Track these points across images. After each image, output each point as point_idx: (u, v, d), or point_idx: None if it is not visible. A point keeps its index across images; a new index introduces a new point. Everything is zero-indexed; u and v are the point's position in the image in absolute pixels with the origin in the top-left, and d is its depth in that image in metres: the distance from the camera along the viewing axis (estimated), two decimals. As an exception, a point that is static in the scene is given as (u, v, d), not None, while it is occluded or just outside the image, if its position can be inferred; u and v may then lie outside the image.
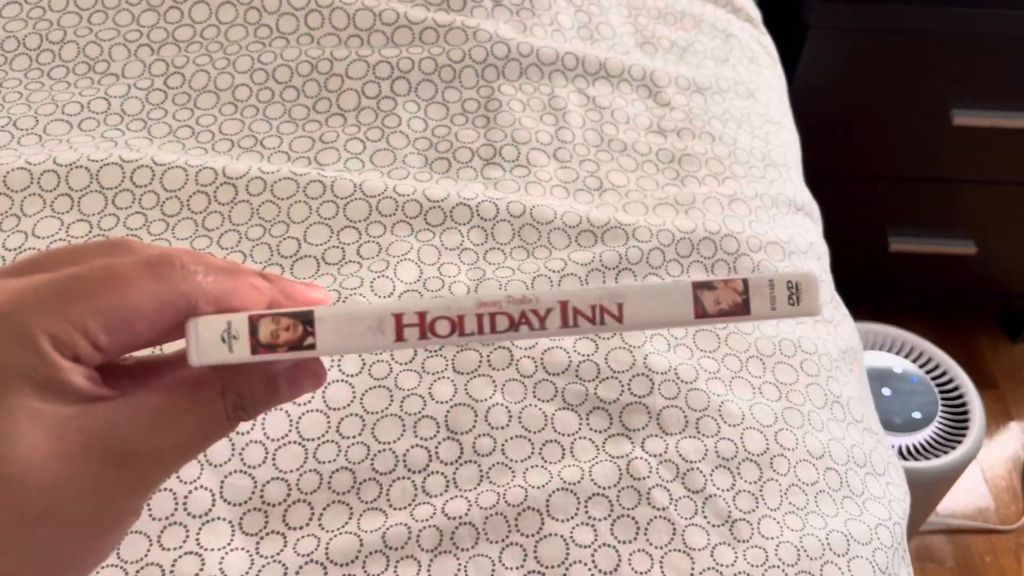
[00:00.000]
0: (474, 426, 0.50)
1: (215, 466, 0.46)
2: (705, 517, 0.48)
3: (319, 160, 0.63)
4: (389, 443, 0.48)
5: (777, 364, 0.57)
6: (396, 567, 0.44)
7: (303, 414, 0.48)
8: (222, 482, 0.46)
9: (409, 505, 0.47)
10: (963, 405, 1.07)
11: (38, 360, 0.21)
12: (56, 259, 0.24)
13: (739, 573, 0.47)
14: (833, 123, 1.21)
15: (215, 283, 0.24)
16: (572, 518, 0.47)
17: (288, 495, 0.46)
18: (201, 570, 0.43)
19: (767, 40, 0.88)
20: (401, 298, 0.55)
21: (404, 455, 0.48)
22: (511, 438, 0.50)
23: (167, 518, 0.44)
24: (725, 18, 0.85)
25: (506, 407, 0.50)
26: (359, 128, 0.66)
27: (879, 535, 0.51)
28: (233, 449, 0.47)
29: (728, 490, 0.50)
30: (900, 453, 1.04)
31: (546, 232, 0.60)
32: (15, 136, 0.62)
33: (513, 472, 0.48)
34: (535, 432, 0.50)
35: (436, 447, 0.49)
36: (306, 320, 0.24)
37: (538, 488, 0.47)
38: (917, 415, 1.05)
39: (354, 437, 0.48)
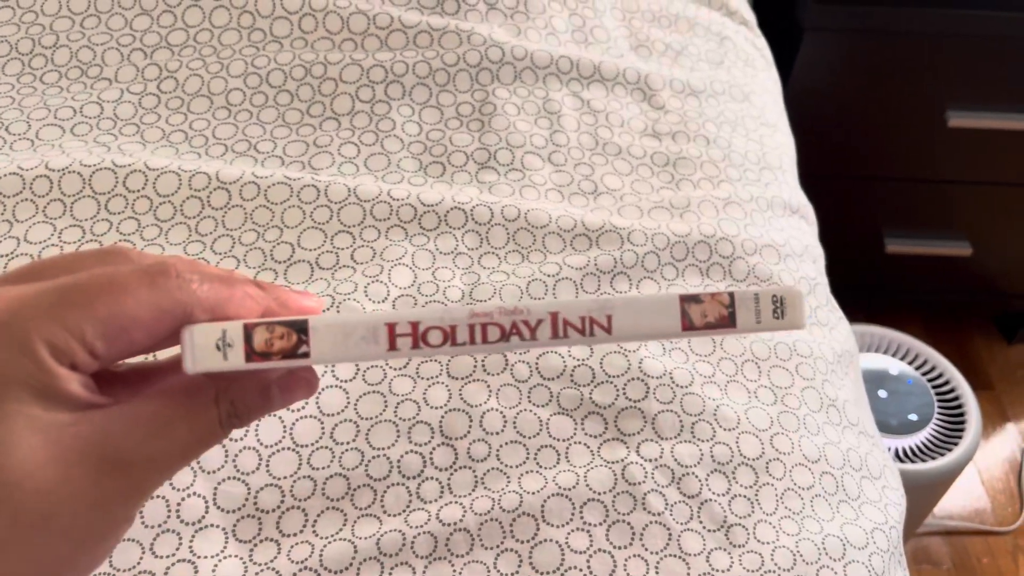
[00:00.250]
0: (469, 431, 0.49)
1: (208, 473, 0.46)
2: (701, 522, 0.48)
3: (313, 164, 0.63)
4: (383, 449, 0.48)
5: (772, 368, 0.56)
6: (390, 574, 0.44)
7: (296, 420, 0.48)
8: (215, 489, 0.45)
9: (403, 511, 0.46)
10: (959, 407, 1.07)
11: (36, 367, 0.22)
12: (54, 267, 0.25)
13: (735, 578, 0.46)
14: (829, 125, 1.21)
15: (210, 291, 0.24)
16: (567, 523, 0.47)
17: (282, 502, 0.46)
18: (194, 578, 0.43)
19: (762, 43, 0.88)
20: (395, 304, 0.55)
21: (398, 461, 0.48)
22: (506, 443, 0.49)
23: (160, 525, 0.44)
24: (720, 21, 0.85)
25: (501, 412, 0.50)
26: (353, 132, 0.66)
27: (875, 539, 0.51)
28: (226, 456, 0.46)
29: (724, 495, 0.49)
30: (896, 455, 1.04)
31: (541, 236, 0.60)
32: (7, 141, 0.62)
33: (508, 478, 0.48)
34: (530, 437, 0.50)
35: (430, 453, 0.48)
36: (300, 329, 0.25)
37: (533, 494, 0.47)
38: (913, 417, 1.05)
39: (348, 443, 0.48)
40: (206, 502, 0.45)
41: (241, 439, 0.47)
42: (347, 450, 0.48)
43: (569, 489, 0.48)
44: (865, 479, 0.54)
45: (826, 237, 0.82)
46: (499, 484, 0.48)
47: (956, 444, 1.04)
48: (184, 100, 0.66)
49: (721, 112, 0.75)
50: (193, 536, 0.44)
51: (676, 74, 0.76)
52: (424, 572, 0.45)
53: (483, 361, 0.52)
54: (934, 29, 1.09)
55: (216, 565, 0.43)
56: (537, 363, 0.52)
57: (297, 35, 0.70)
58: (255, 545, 0.44)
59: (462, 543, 0.46)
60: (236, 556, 0.44)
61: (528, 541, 0.46)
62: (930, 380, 1.11)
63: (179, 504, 0.44)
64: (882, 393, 1.07)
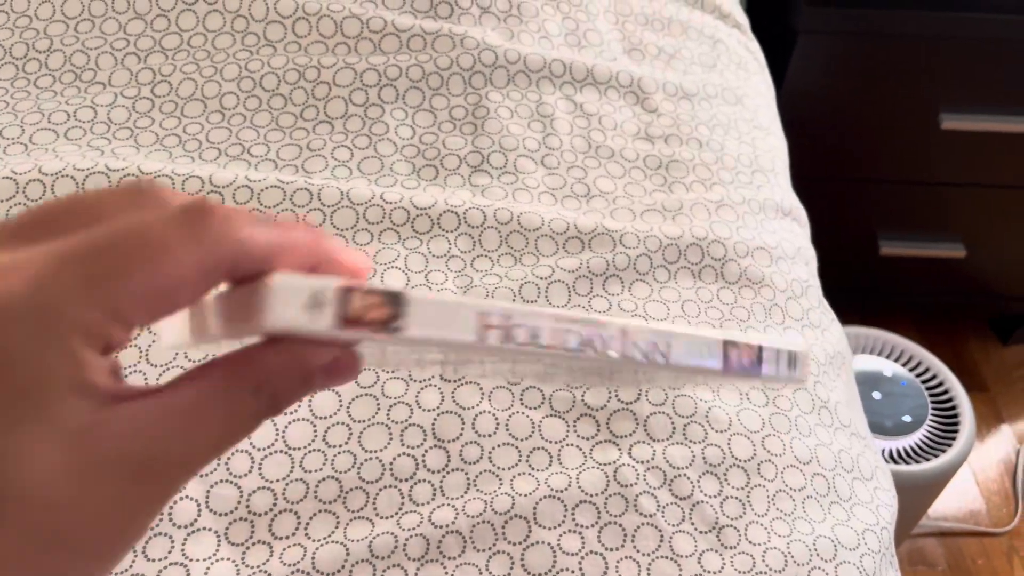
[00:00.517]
0: (461, 434, 0.49)
1: (200, 476, 0.46)
2: (692, 524, 0.48)
3: (306, 168, 0.63)
4: (376, 451, 0.48)
5: (764, 370, 0.57)
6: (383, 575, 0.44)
7: (289, 423, 0.48)
8: (207, 492, 0.46)
9: (396, 514, 0.47)
10: (953, 408, 1.08)
11: (63, 360, 0.18)
12: (70, 214, 0.21)
13: (726, 579, 0.47)
14: (823, 127, 1.21)
15: (261, 239, 0.21)
16: (559, 525, 0.47)
17: (274, 504, 0.46)
18: (186, 581, 0.43)
19: (755, 46, 0.89)
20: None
21: (391, 464, 0.48)
22: (498, 446, 0.49)
23: (152, 528, 0.44)
24: (712, 24, 0.85)
25: (493, 414, 0.50)
26: (346, 136, 0.66)
27: (867, 540, 0.51)
28: (218, 459, 0.46)
29: (715, 496, 0.50)
30: (891, 456, 1.04)
31: (533, 239, 0.60)
32: (1, 145, 0.62)
33: (500, 480, 0.48)
34: (522, 439, 0.50)
35: (423, 455, 0.49)
36: (397, 301, 0.22)
37: (525, 496, 0.47)
38: (907, 419, 1.06)
39: (340, 446, 0.48)
40: (198, 505, 0.45)
41: (234, 442, 0.47)
42: (339, 453, 0.48)
43: (561, 491, 0.48)
44: (857, 480, 0.54)
45: (820, 239, 0.82)
46: (491, 486, 0.48)
47: (950, 445, 1.04)
48: (178, 104, 0.67)
49: (714, 115, 0.75)
50: (185, 539, 0.44)
51: (669, 77, 0.76)
52: (416, 574, 0.45)
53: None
54: (927, 32, 1.09)
55: (208, 568, 0.43)
56: (529, 365, 0.52)
57: (291, 39, 0.70)
58: (247, 548, 0.45)
59: (454, 545, 0.46)
60: (228, 559, 0.44)
61: (520, 543, 0.46)
62: (924, 382, 1.11)
63: (171, 507, 0.44)
64: (876, 395, 1.08)
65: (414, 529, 0.46)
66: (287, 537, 0.45)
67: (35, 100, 0.66)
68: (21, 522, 0.18)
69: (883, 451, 1.04)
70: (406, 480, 0.48)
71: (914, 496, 1.04)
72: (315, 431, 0.48)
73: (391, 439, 0.49)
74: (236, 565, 0.44)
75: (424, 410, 0.50)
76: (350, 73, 0.68)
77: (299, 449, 0.48)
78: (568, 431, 0.51)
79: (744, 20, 0.90)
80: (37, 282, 0.18)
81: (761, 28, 1.06)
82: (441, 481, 0.48)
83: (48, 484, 0.18)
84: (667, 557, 0.47)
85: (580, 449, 0.50)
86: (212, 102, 0.67)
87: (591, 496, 0.48)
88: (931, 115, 1.17)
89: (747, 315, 0.60)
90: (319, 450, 0.48)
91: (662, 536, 0.47)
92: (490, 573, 0.45)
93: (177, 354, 0.50)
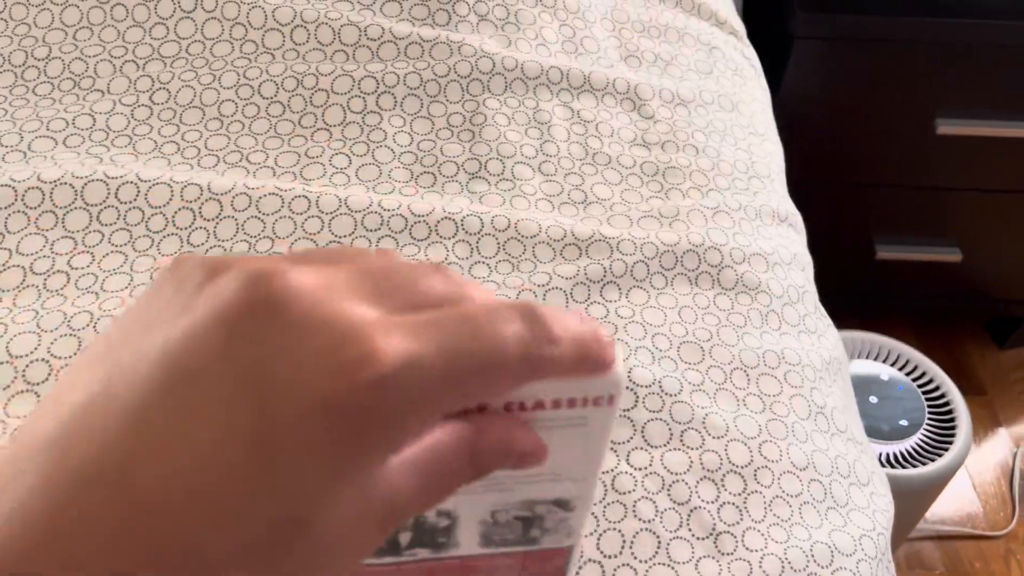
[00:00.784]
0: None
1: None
2: (690, 530, 0.49)
3: (304, 175, 0.64)
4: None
5: (761, 376, 0.57)
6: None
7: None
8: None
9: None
10: (950, 412, 1.08)
11: (401, 436, 0.19)
12: (394, 288, 0.21)
13: (723, 586, 0.47)
14: (819, 132, 1.22)
15: (564, 359, 0.21)
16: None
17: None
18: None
19: (751, 52, 0.89)
20: None
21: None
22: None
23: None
24: (709, 31, 0.85)
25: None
26: (344, 143, 0.66)
27: (863, 546, 0.51)
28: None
29: (713, 502, 0.50)
30: (888, 461, 1.04)
31: (531, 246, 0.61)
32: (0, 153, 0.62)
33: (498, 487, 0.48)
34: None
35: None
36: None
37: (523, 502, 0.47)
38: (904, 423, 1.06)
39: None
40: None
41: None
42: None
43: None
44: (853, 486, 0.55)
45: (817, 244, 0.82)
46: (489, 493, 0.48)
47: (947, 449, 1.04)
48: (176, 111, 0.67)
49: (710, 121, 0.75)
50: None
51: (666, 84, 0.77)
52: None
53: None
54: (922, 37, 1.10)
55: None
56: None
57: (289, 47, 0.71)
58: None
59: (453, 552, 0.46)
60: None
61: (518, 550, 0.46)
62: (921, 386, 1.12)
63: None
64: (873, 399, 1.08)
65: (412, 536, 0.46)
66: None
67: (34, 107, 0.66)
68: (309, 552, 0.19)
69: (880, 455, 1.04)
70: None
71: (911, 500, 1.05)
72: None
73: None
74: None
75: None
76: (348, 80, 0.69)
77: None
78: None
79: (740, 27, 0.91)
80: (403, 354, 0.19)
81: (757, 34, 1.07)
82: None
83: (336, 525, 0.19)
84: (664, 564, 0.47)
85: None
86: (210, 109, 0.67)
87: (589, 503, 0.48)
88: (927, 120, 1.18)
89: (743, 321, 0.60)
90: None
91: (659, 542, 0.48)
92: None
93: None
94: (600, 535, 0.47)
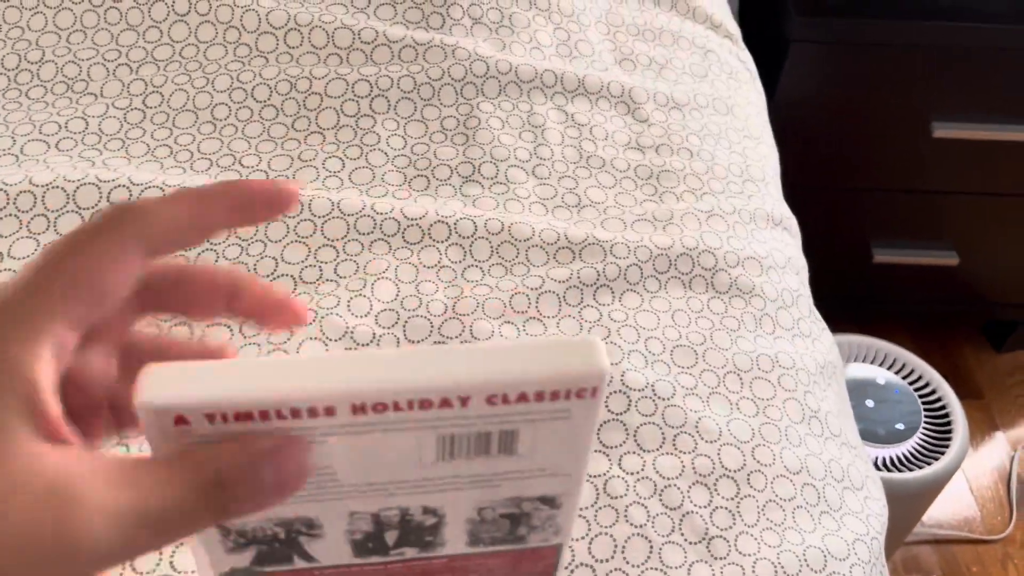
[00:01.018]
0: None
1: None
2: (682, 534, 0.48)
3: (298, 178, 0.63)
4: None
5: (755, 379, 0.57)
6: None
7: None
8: None
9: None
10: (946, 416, 1.08)
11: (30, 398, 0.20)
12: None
13: (716, 590, 0.47)
14: (816, 136, 1.22)
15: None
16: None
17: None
18: (174, 594, 0.43)
19: (746, 56, 0.89)
20: (378, 318, 0.55)
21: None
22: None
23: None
24: (704, 34, 0.85)
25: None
26: (338, 146, 0.66)
27: (856, 550, 0.51)
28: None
29: (705, 507, 0.50)
30: (884, 464, 1.04)
31: (524, 249, 0.60)
32: (-8, 157, 0.62)
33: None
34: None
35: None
36: None
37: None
38: (900, 426, 1.06)
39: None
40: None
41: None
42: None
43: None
44: (847, 490, 0.55)
45: (814, 247, 0.82)
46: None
47: (943, 453, 1.04)
48: (169, 115, 0.67)
49: (704, 125, 0.75)
50: (173, 552, 0.44)
51: (660, 87, 0.77)
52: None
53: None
54: (918, 41, 1.10)
55: (197, 581, 0.43)
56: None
57: (283, 50, 0.71)
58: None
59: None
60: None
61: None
62: (917, 390, 1.12)
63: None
64: (869, 403, 1.08)
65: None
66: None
67: (26, 111, 0.66)
68: None
69: (876, 459, 1.04)
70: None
71: (908, 504, 1.04)
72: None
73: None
74: None
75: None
76: (342, 84, 0.69)
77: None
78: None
79: (736, 30, 0.91)
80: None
81: (754, 37, 1.07)
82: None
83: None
84: (657, 568, 0.47)
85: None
86: (204, 113, 0.67)
87: (581, 509, 0.48)
88: (923, 124, 1.18)
89: (737, 325, 0.60)
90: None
91: (651, 547, 0.47)
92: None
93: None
94: (592, 540, 0.47)
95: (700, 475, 0.51)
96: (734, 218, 0.67)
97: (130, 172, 0.60)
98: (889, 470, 1.03)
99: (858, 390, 1.09)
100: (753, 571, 0.48)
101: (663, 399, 0.53)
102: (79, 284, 0.22)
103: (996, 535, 1.31)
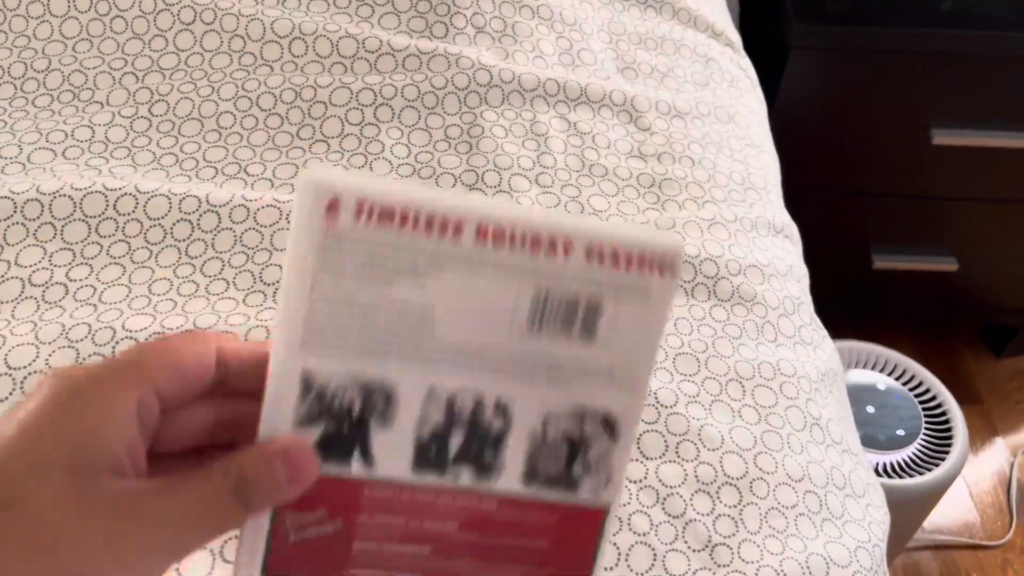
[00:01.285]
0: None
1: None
2: (686, 542, 0.49)
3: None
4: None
5: (757, 387, 0.57)
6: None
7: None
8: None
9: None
10: (946, 422, 1.08)
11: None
12: None
13: (719, 598, 0.47)
14: (816, 142, 1.22)
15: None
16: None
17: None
18: (182, 601, 0.43)
19: (747, 63, 0.90)
20: None
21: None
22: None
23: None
24: (705, 43, 0.86)
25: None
26: (342, 155, 0.66)
27: (859, 557, 0.51)
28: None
29: (708, 514, 0.50)
30: (885, 470, 1.04)
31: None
32: (-1, 165, 0.62)
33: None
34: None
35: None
36: None
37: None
38: (901, 432, 1.06)
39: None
40: None
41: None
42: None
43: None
44: (848, 497, 0.55)
45: (814, 253, 0.82)
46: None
47: (944, 459, 1.04)
48: (175, 123, 0.67)
49: (706, 133, 0.76)
50: (181, 559, 0.44)
51: (662, 96, 0.77)
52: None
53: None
54: (918, 48, 1.11)
55: (204, 588, 0.44)
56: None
57: (287, 59, 0.71)
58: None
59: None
60: (224, 579, 0.44)
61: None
62: (917, 395, 1.12)
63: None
64: (870, 408, 1.08)
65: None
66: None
67: (33, 119, 0.66)
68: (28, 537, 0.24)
69: (877, 465, 1.04)
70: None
71: (908, 510, 1.05)
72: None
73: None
74: (232, 585, 0.44)
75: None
76: (346, 92, 0.69)
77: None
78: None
79: (737, 38, 0.91)
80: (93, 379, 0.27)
81: (754, 44, 1.07)
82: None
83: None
84: None
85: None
86: (209, 121, 0.67)
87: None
88: (922, 130, 1.18)
89: (739, 333, 0.60)
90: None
91: (655, 555, 0.48)
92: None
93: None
94: (596, 547, 0.47)
95: (703, 483, 0.51)
96: (736, 226, 0.67)
97: (136, 180, 0.61)
98: (890, 476, 1.03)
99: (858, 396, 1.09)
100: (756, 578, 0.48)
101: (666, 407, 0.53)
102: (167, 364, 0.27)
103: (996, 541, 1.31)
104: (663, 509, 0.49)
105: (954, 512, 1.35)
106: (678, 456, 0.52)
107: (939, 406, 1.10)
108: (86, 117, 0.67)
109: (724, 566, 0.48)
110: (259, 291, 0.57)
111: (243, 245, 0.59)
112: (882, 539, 0.55)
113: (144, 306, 0.54)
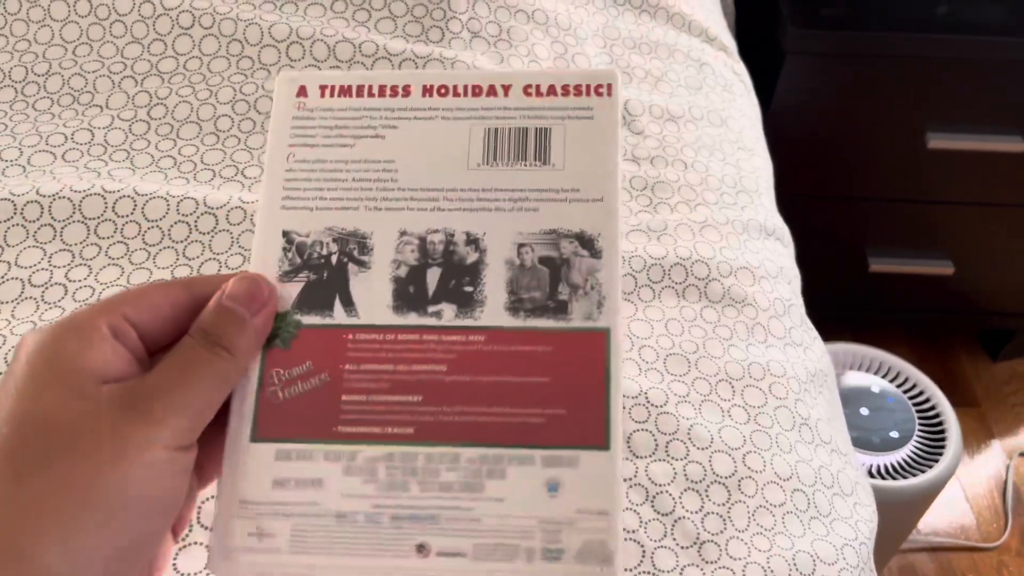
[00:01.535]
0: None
1: (192, 492, 0.47)
2: (674, 539, 0.49)
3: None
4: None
5: (746, 387, 0.58)
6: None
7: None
8: (200, 507, 0.47)
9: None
10: (940, 424, 1.09)
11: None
12: None
13: (706, 594, 0.48)
14: (812, 146, 1.23)
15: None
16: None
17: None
18: (177, 595, 0.44)
19: (741, 68, 0.90)
20: None
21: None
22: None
23: (144, 544, 0.45)
24: (699, 47, 0.87)
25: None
26: (339, 157, 0.67)
27: (845, 555, 0.52)
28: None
29: (697, 512, 0.51)
30: (879, 472, 1.05)
31: (521, 259, 0.62)
32: (-1, 167, 0.63)
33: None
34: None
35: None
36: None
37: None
38: (895, 434, 1.07)
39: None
40: (190, 521, 0.46)
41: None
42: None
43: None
44: (836, 496, 0.56)
45: (810, 256, 0.83)
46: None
47: (937, 461, 1.05)
48: (173, 126, 0.68)
49: (699, 137, 0.77)
50: (177, 554, 0.45)
51: (655, 100, 0.78)
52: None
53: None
54: (913, 53, 1.11)
55: (199, 583, 0.44)
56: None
57: (285, 62, 0.72)
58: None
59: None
60: (218, 574, 0.45)
61: (505, 558, 0.47)
62: (911, 398, 1.13)
63: (163, 523, 0.45)
64: (864, 411, 1.09)
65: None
66: (276, 552, 0.46)
67: (33, 122, 0.67)
68: (46, 439, 0.26)
69: (871, 467, 1.05)
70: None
71: (902, 511, 1.05)
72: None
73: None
74: (226, 580, 0.45)
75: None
76: (342, 96, 0.70)
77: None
78: (553, 448, 0.52)
79: (731, 43, 0.92)
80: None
81: (750, 49, 1.08)
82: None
83: (60, 413, 0.27)
84: (649, 572, 0.48)
85: (564, 466, 0.51)
86: (207, 124, 0.68)
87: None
88: (918, 134, 1.19)
89: (730, 333, 0.61)
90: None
91: (644, 551, 0.48)
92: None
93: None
94: (585, 544, 0.48)
95: (692, 481, 0.52)
96: (727, 229, 0.68)
97: (135, 183, 0.62)
98: (883, 478, 1.04)
99: (853, 398, 1.10)
100: (744, 575, 0.49)
101: (656, 406, 0.54)
102: (130, 296, 0.29)
103: (991, 543, 1.32)
104: (652, 507, 0.50)
105: (950, 514, 1.36)
106: (667, 455, 0.52)
107: (933, 409, 1.11)
108: (86, 120, 0.68)
109: (712, 563, 0.49)
110: (255, 292, 0.57)
111: (240, 246, 0.59)
112: (869, 537, 0.55)
113: (142, 306, 0.55)
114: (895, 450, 1.05)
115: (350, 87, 0.31)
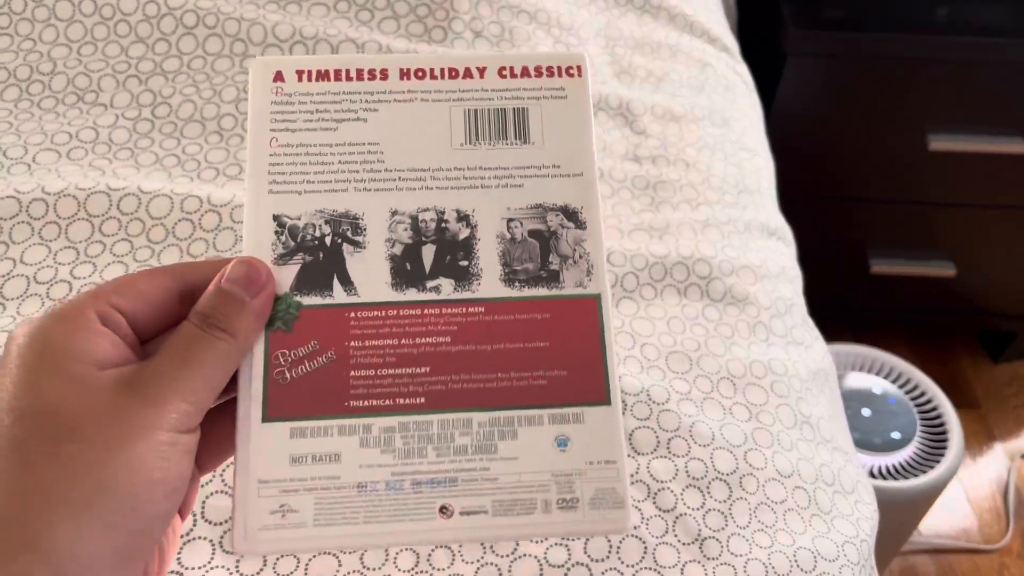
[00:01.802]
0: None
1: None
2: (676, 535, 0.50)
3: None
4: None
5: (748, 385, 0.58)
6: (372, 586, 0.45)
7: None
8: (203, 502, 0.47)
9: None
10: (942, 425, 1.09)
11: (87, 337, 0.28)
12: None
13: (708, 590, 0.48)
14: (814, 147, 1.23)
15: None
16: (546, 539, 0.48)
17: (267, 516, 0.47)
18: (181, 590, 0.44)
19: (742, 68, 0.91)
20: None
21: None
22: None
23: (148, 539, 0.45)
24: (701, 48, 0.87)
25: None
26: (342, 156, 0.67)
27: (846, 552, 0.52)
28: (214, 470, 0.48)
29: (698, 509, 0.51)
30: (880, 473, 1.05)
31: (523, 257, 0.62)
32: (4, 165, 0.64)
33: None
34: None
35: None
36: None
37: (512, 508, 0.48)
38: (896, 435, 1.07)
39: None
40: (194, 515, 0.46)
41: (228, 455, 0.48)
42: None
43: (547, 503, 0.49)
44: (837, 494, 0.56)
45: (812, 257, 0.83)
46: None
47: (939, 462, 1.05)
48: (177, 125, 0.68)
49: (701, 137, 0.77)
50: (181, 548, 0.45)
51: (657, 100, 0.78)
52: (405, 584, 0.46)
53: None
54: (914, 54, 1.12)
55: (202, 577, 0.45)
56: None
57: (288, 62, 0.72)
58: (241, 557, 0.46)
59: (443, 558, 0.47)
60: (223, 567, 0.45)
61: (508, 556, 0.47)
62: (913, 399, 1.13)
63: (167, 518, 0.46)
64: (866, 412, 1.09)
65: (403, 540, 0.47)
66: (279, 547, 0.46)
67: (38, 121, 0.68)
68: (49, 428, 0.26)
69: (872, 468, 1.05)
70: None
71: (903, 512, 1.05)
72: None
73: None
74: (230, 573, 0.45)
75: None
76: (346, 95, 0.70)
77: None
78: (555, 445, 0.52)
79: (733, 44, 0.92)
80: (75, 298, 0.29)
81: (751, 50, 1.09)
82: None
83: (65, 401, 0.27)
84: (651, 568, 0.48)
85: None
86: (211, 123, 0.69)
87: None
88: (919, 136, 1.19)
89: (731, 332, 0.61)
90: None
91: (646, 547, 0.49)
92: (477, 583, 0.46)
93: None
94: (588, 540, 0.48)
95: (693, 478, 0.52)
96: (729, 228, 0.68)
97: (139, 181, 0.62)
98: (885, 479, 1.04)
99: (855, 399, 1.10)
100: (745, 571, 0.49)
101: (658, 404, 0.54)
102: (116, 284, 0.29)
103: (993, 545, 1.32)
104: (654, 503, 0.50)
105: (951, 516, 1.35)
106: (669, 452, 0.53)
107: (934, 410, 1.11)
108: (90, 119, 0.68)
109: (713, 559, 0.49)
110: (259, 289, 0.58)
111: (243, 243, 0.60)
112: (870, 535, 0.55)
113: (146, 303, 0.55)
114: (896, 451, 1.06)
115: (328, 71, 0.32)
